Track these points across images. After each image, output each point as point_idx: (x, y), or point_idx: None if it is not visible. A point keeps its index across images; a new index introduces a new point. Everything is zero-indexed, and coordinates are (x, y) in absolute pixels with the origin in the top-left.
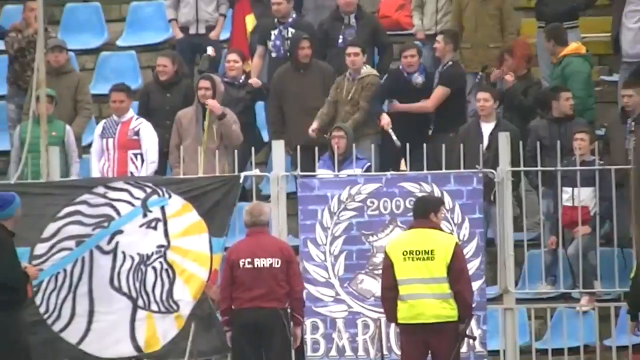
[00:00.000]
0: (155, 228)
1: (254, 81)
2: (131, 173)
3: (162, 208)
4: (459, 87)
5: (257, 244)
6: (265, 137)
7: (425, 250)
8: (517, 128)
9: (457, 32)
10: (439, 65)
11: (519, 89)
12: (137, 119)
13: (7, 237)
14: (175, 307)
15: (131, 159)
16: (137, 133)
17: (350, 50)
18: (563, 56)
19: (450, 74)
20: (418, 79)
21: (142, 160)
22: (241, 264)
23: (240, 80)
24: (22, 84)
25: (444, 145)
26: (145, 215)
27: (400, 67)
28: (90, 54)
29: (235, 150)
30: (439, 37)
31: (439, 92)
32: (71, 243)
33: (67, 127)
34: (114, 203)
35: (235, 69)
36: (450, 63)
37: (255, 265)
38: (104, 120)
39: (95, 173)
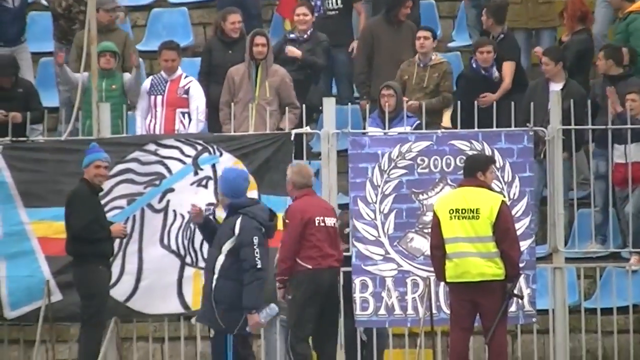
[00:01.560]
0: (206, 186)
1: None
2: (178, 132)
3: (213, 166)
4: (519, 55)
5: (319, 204)
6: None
7: (470, 209)
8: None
9: (502, 6)
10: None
11: (573, 47)
12: (186, 77)
13: (85, 190)
14: None
15: (179, 118)
16: (186, 91)
17: (420, 33)
18: (629, 12)
19: (509, 47)
20: (495, 73)
21: (190, 119)
22: (317, 221)
23: (305, 36)
24: (70, 39)
25: (513, 103)
26: (196, 174)
27: (474, 63)
28: (141, 10)
29: (287, 108)
30: (484, 12)
31: (509, 68)
32: (122, 202)
33: (125, 75)
34: (165, 161)
35: (305, 22)
36: (501, 36)
37: (327, 224)
38: (151, 77)
39: (141, 130)
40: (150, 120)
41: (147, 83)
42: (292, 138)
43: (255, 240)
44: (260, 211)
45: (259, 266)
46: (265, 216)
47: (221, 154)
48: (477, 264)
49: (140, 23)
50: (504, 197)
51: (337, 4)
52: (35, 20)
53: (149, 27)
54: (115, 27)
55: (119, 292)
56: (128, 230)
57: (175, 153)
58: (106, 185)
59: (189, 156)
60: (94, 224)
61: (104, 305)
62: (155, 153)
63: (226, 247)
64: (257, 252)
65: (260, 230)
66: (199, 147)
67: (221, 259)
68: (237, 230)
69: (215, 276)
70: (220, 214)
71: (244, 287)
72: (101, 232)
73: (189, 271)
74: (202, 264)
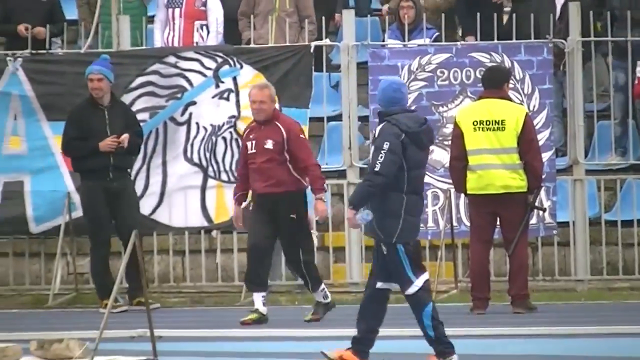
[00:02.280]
0: (227, 99)
1: None
2: (196, 44)
3: (234, 78)
4: None
5: None
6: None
7: (495, 121)
8: None
9: None
10: None
11: None
12: None
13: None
14: None
15: (197, 30)
16: (204, 4)
17: None
18: None
19: None
20: None
21: (208, 32)
22: None
23: None
24: None
25: (514, 15)
26: (217, 86)
27: None
28: None
29: (305, 20)
30: None
31: None
32: (145, 115)
33: None
34: (186, 73)
35: None
36: None
37: None
38: None
39: (159, 43)
40: (169, 33)
41: None
42: (312, 50)
43: (386, 145)
44: (407, 119)
45: (376, 169)
46: (412, 124)
47: (241, 67)
48: (501, 175)
49: None
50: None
51: None
52: None
53: None
54: None
55: (144, 206)
56: (151, 143)
57: (195, 65)
58: (126, 99)
59: (209, 69)
60: (75, 140)
61: (98, 222)
62: (175, 65)
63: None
64: (381, 157)
65: (398, 137)
66: (219, 60)
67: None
68: (376, 136)
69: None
70: (241, 126)
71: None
72: (84, 149)
73: (211, 183)
74: (224, 176)
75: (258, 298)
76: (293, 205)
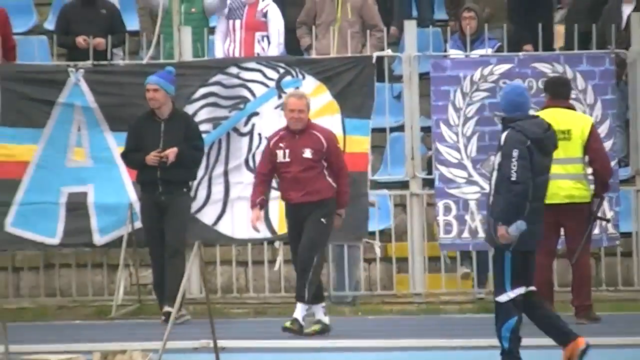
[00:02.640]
0: None
1: None
2: (257, 55)
3: (296, 89)
4: None
5: None
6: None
7: (561, 130)
8: None
9: None
10: None
11: None
12: (264, 0)
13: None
14: None
15: (257, 41)
16: (264, 15)
17: None
18: None
19: None
20: None
21: (269, 43)
22: None
23: None
24: None
25: (576, 25)
26: (280, 97)
27: None
28: None
29: (369, 30)
30: None
31: None
32: (208, 125)
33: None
34: (249, 84)
35: None
36: None
37: None
38: (229, 1)
39: (221, 55)
40: (230, 44)
41: (225, 8)
42: (374, 61)
43: (515, 153)
44: (531, 125)
45: (513, 178)
46: (537, 130)
47: (304, 77)
48: (566, 186)
49: None
50: None
51: None
52: None
53: None
54: None
55: (206, 215)
56: (214, 154)
57: (258, 76)
58: (189, 110)
59: (271, 79)
60: (131, 152)
61: (149, 234)
62: (237, 76)
63: (496, 161)
64: (514, 165)
65: (524, 144)
66: (282, 70)
67: (494, 174)
68: (501, 144)
69: (492, 192)
70: None
71: (500, 197)
72: (136, 162)
73: (274, 194)
74: None
75: (319, 309)
76: (325, 210)
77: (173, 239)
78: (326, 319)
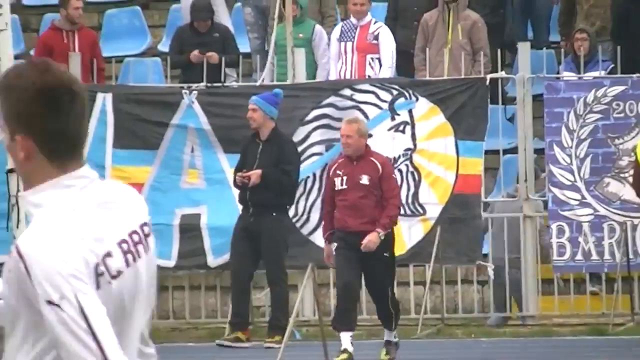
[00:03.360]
0: (403, 131)
1: None
2: (368, 77)
3: (410, 111)
4: None
5: None
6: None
7: None
8: None
9: None
10: None
11: None
12: (375, 22)
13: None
14: (421, 210)
15: (369, 63)
16: (376, 37)
17: None
18: None
19: None
20: None
21: (380, 65)
22: None
23: None
24: None
25: None
26: (393, 119)
27: None
28: None
29: (480, 52)
30: None
31: None
32: (321, 147)
33: (317, 27)
34: (362, 106)
35: None
36: None
37: None
38: (341, 24)
39: (333, 77)
40: (342, 67)
41: (337, 30)
42: (488, 83)
43: None
44: None
45: None
46: None
47: (417, 99)
48: None
49: None
50: None
51: None
52: None
53: None
54: None
55: (320, 238)
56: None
57: (371, 98)
58: (302, 132)
59: (385, 101)
60: (235, 172)
61: (233, 255)
62: (351, 98)
63: None
64: None
65: None
66: (395, 92)
67: None
68: None
69: None
70: (418, 159)
71: None
72: (234, 182)
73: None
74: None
75: (346, 338)
76: (386, 243)
77: (269, 268)
78: (351, 348)
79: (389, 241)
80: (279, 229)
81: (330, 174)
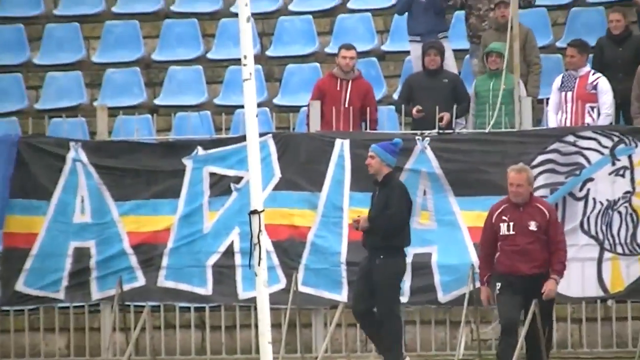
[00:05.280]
0: (622, 175)
1: None
2: (587, 124)
3: (630, 156)
4: None
5: None
6: None
7: None
8: None
9: None
10: None
11: None
12: (594, 73)
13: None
14: (639, 249)
15: (587, 112)
16: (594, 87)
17: None
18: None
19: None
20: None
21: (598, 113)
22: None
23: None
24: (476, 40)
25: None
26: (613, 164)
27: None
28: (562, 9)
29: None
30: None
31: None
32: (545, 191)
33: (519, 81)
34: (584, 151)
35: None
36: None
37: None
38: (562, 74)
39: (553, 124)
40: (562, 115)
41: (557, 80)
42: None
43: None
44: None
45: None
46: None
47: (636, 145)
48: None
49: (559, 22)
50: None
51: None
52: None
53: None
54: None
55: None
56: None
57: (593, 144)
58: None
59: (606, 147)
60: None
61: (354, 292)
62: (574, 144)
63: None
64: None
65: None
66: (615, 139)
67: None
68: None
69: None
70: (637, 202)
71: None
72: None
73: (607, 255)
74: (619, 249)
75: None
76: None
77: (379, 305)
78: None
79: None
80: (389, 269)
81: (495, 219)
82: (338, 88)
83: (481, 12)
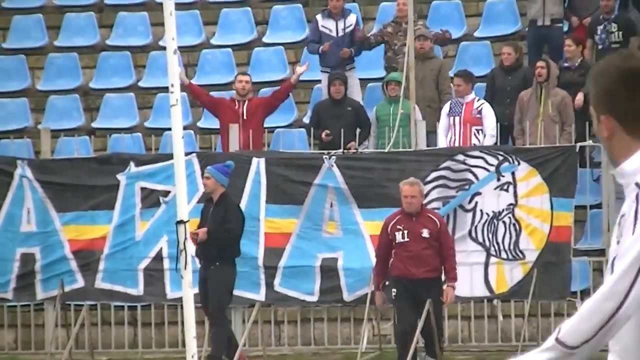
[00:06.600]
0: (507, 190)
1: None
2: (474, 145)
3: (513, 173)
4: None
5: None
6: None
7: None
8: None
9: None
10: None
11: None
12: (478, 99)
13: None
14: (521, 255)
15: (474, 134)
16: (479, 112)
17: None
18: None
19: None
20: None
21: (484, 135)
22: None
23: (576, 64)
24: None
25: None
26: (498, 180)
27: None
28: (452, 43)
29: (570, 124)
30: None
31: None
32: (438, 203)
33: (415, 106)
34: (472, 169)
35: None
36: None
37: None
38: (449, 101)
39: (443, 145)
40: (451, 137)
41: (446, 107)
42: (577, 150)
43: None
44: None
45: None
46: None
47: (519, 163)
48: None
49: (450, 54)
50: None
51: (618, 37)
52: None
53: (458, 57)
54: (432, 55)
55: None
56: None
57: (480, 162)
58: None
59: (492, 165)
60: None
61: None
62: (463, 162)
63: None
64: None
65: None
66: (500, 157)
67: None
68: None
69: None
70: (519, 213)
71: None
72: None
73: (493, 260)
74: (504, 254)
75: None
76: (441, 289)
77: (213, 307)
78: None
79: (441, 287)
80: (223, 276)
81: (391, 228)
82: (236, 107)
83: (396, 48)
